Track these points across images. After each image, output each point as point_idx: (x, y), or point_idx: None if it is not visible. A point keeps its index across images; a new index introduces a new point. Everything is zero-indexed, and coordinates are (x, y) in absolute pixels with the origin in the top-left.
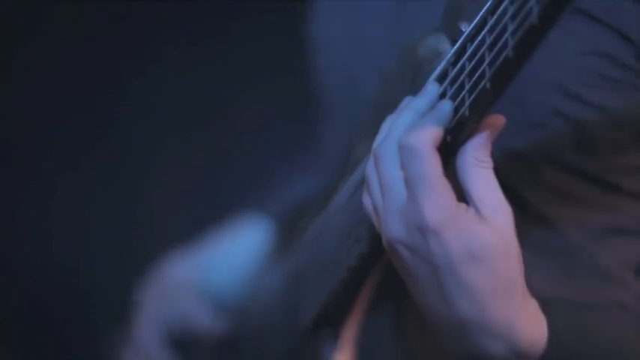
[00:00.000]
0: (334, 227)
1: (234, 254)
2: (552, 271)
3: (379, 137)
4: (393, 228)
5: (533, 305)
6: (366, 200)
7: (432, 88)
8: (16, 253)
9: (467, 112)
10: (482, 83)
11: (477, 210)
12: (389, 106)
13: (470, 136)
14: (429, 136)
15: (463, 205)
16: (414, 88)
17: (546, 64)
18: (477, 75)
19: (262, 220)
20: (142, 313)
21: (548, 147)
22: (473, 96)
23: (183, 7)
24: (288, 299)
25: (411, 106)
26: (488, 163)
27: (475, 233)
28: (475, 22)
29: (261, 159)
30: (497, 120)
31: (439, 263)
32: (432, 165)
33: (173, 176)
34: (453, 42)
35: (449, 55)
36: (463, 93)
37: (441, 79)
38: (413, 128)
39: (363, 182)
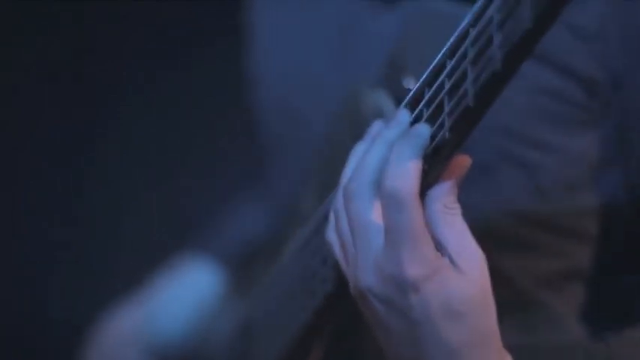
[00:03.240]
0: (289, 277)
1: (182, 300)
2: (505, 321)
3: (348, 169)
4: (366, 277)
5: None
6: (332, 237)
7: (403, 117)
8: (16, 253)
9: (447, 135)
10: (444, 130)
11: (453, 261)
12: (333, 154)
13: (436, 180)
14: (412, 180)
15: (441, 257)
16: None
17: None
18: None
19: (210, 261)
20: None
21: (499, 194)
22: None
23: (183, 7)
24: (238, 350)
25: (382, 138)
26: (458, 209)
27: (455, 288)
28: (432, 65)
29: (208, 196)
30: (464, 160)
31: (417, 319)
32: (416, 216)
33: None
34: (395, 99)
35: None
36: (442, 117)
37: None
38: (392, 168)
39: (322, 225)
